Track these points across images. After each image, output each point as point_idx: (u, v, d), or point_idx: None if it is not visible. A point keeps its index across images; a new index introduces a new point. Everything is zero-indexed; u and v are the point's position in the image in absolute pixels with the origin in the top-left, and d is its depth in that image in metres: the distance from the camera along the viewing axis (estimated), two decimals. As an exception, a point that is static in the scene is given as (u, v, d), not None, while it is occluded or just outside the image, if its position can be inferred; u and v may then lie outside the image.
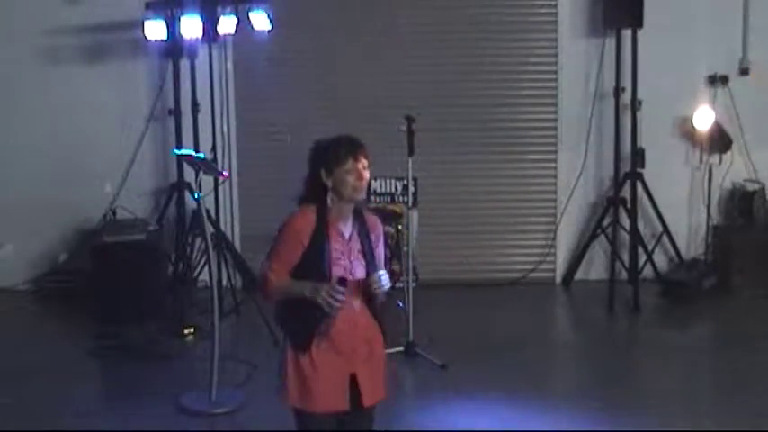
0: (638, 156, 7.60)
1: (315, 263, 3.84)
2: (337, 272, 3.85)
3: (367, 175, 3.89)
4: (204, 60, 7.18)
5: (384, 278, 3.85)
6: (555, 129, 7.89)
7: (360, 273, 3.91)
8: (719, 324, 7.27)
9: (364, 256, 3.94)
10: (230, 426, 5.53)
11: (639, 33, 7.39)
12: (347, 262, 3.89)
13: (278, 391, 3.99)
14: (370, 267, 3.92)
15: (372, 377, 3.98)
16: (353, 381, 3.92)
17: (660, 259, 7.82)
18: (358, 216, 3.97)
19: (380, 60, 7.79)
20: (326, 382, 3.89)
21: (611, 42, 7.56)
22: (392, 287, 7.20)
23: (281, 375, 3.97)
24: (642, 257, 7.61)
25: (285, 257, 3.87)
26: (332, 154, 3.86)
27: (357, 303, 3.91)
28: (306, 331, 3.87)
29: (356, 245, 3.93)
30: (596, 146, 7.86)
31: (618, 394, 5.88)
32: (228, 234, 7.65)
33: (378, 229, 4.03)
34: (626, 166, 7.62)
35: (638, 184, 7.59)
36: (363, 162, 3.89)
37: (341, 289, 3.77)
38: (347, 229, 3.93)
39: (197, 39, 6.93)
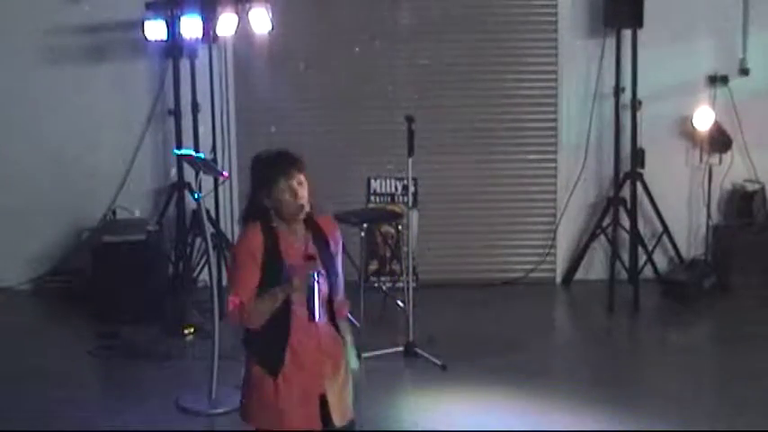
0: (638, 156, 7.60)
1: (273, 283, 3.68)
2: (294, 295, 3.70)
3: (302, 192, 3.71)
4: (204, 60, 7.18)
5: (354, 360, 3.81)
6: (555, 129, 7.88)
7: (323, 285, 3.72)
8: (719, 324, 7.27)
9: (324, 265, 3.76)
10: (230, 426, 5.53)
11: (639, 33, 7.38)
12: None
13: (241, 413, 3.89)
14: (332, 278, 3.78)
15: (341, 396, 3.83)
16: (324, 401, 3.78)
17: (660, 259, 7.82)
18: (310, 223, 3.80)
19: (380, 60, 7.79)
20: (292, 401, 3.73)
21: (611, 42, 7.55)
22: (392, 287, 7.26)
23: (244, 397, 3.86)
24: (642, 257, 7.61)
25: (248, 282, 3.68)
26: (264, 176, 3.74)
27: (321, 318, 3.74)
28: (277, 354, 3.72)
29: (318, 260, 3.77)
30: (596, 146, 7.86)
31: (618, 394, 5.88)
32: (228, 234, 7.64)
33: (335, 233, 3.86)
34: (626, 166, 7.62)
35: (638, 184, 7.59)
36: (298, 178, 3.71)
37: (311, 264, 3.63)
38: (300, 240, 3.77)
39: (197, 39, 6.93)
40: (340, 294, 3.89)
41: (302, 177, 3.73)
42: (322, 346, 3.78)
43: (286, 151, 3.79)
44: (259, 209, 3.75)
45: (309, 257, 3.71)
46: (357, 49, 7.74)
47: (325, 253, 3.79)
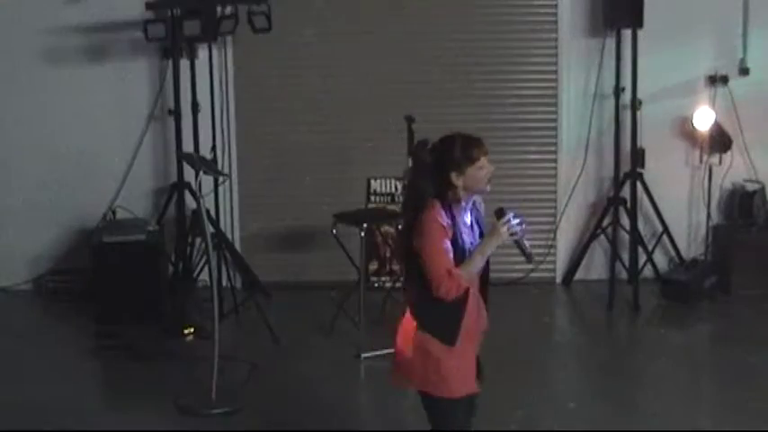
0: (638, 156, 7.60)
1: (455, 255, 4.00)
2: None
3: (491, 171, 4.11)
4: (204, 60, 7.18)
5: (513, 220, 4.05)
6: (555, 129, 7.88)
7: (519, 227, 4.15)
8: (719, 324, 7.27)
9: (482, 235, 4.16)
10: (230, 426, 5.53)
11: (639, 33, 7.39)
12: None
13: (435, 387, 4.11)
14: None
15: (481, 355, 4.27)
16: (477, 362, 4.22)
17: (660, 259, 7.82)
18: (473, 204, 4.19)
19: (380, 60, 7.78)
20: (465, 370, 4.13)
21: (611, 42, 7.56)
22: (392, 287, 7.23)
23: (409, 363, 4.12)
24: (642, 257, 7.62)
25: (447, 255, 3.97)
26: (464, 155, 4.04)
27: (477, 292, 4.15)
28: (454, 327, 4.06)
29: (476, 230, 4.18)
30: (596, 146, 7.86)
31: (618, 394, 5.89)
32: (228, 234, 7.64)
33: (481, 205, 4.27)
34: (626, 166, 7.62)
35: (638, 184, 7.59)
36: (488, 158, 4.11)
37: (509, 214, 4.02)
38: (469, 217, 4.15)
39: (197, 39, 6.93)
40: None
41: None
42: (481, 317, 4.19)
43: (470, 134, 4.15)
44: (443, 190, 4.04)
45: (499, 211, 4.05)
46: (357, 49, 7.75)
47: (483, 225, 4.20)
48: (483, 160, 4.07)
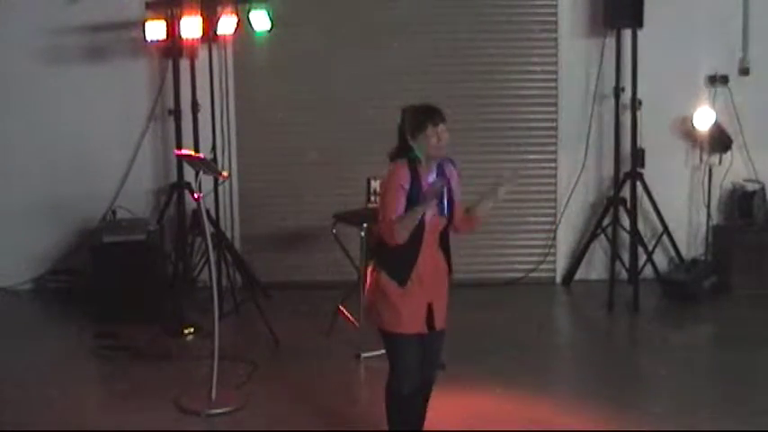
0: (638, 156, 7.60)
1: (412, 205, 4.54)
2: (428, 211, 4.56)
3: (445, 136, 4.56)
4: (204, 60, 7.18)
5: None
6: (555, 129, 7.89)
7: (451, 189, 4.67)
8: (719, 324, 7.27)
9: (447, 195, 4.65)
10: (230, 426, 5.53)
11: (639, 33, 7.39)
12: (434, 204, 4.60)
13: (366, 315, 4.84)
14: (450, 207, 4.67)
15: (442, 306, 4.76)
16: (429, 309, 4.68)
17: (660, 259, 7.82)
18: (440, 168, 4.66)
19: (380, 60, 7.79)
20: (412, 309, 4.64)
21: (611, 42, 7.56)
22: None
23: (368, 303, 4.77)
24: (642, 257, 7.62)
25: (396, 206, 4.53)
26: (415, 122, 4.58)
27: (436, 246, 4.66)
28: (406, 269, 4.60)
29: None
30: (596, 146, 7.86)
31: (617, 394, 5.88)
32: (228, 234, 7.64)
33: (455, 176, 4.73)
34: (626, 166, 7.62)
35: (638, 184, 7.60)
36: (441, 126, 4.56)
37: (437, 179, 4.56)
38: (432, 175, 4.63)
39: (197, 39, 6.93)
40: (458, 214, 4.74)
41: (444, 126, 4.58)
42: (439, 269, 4.72)
43: (432, 105, 4.65)
44: (405, 148, 4.61)
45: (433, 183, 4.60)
46: (356, 48, 7.75)
47: (446, 193, 4.65)
48: (431, 129, 4.54)
